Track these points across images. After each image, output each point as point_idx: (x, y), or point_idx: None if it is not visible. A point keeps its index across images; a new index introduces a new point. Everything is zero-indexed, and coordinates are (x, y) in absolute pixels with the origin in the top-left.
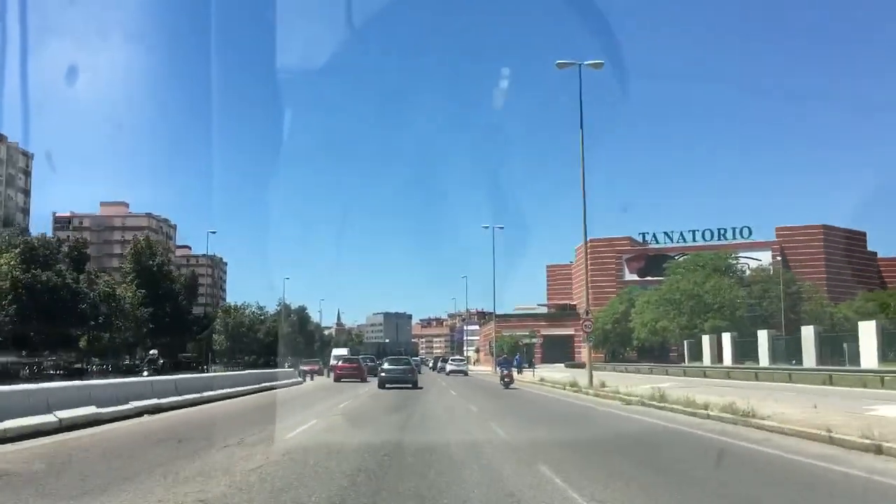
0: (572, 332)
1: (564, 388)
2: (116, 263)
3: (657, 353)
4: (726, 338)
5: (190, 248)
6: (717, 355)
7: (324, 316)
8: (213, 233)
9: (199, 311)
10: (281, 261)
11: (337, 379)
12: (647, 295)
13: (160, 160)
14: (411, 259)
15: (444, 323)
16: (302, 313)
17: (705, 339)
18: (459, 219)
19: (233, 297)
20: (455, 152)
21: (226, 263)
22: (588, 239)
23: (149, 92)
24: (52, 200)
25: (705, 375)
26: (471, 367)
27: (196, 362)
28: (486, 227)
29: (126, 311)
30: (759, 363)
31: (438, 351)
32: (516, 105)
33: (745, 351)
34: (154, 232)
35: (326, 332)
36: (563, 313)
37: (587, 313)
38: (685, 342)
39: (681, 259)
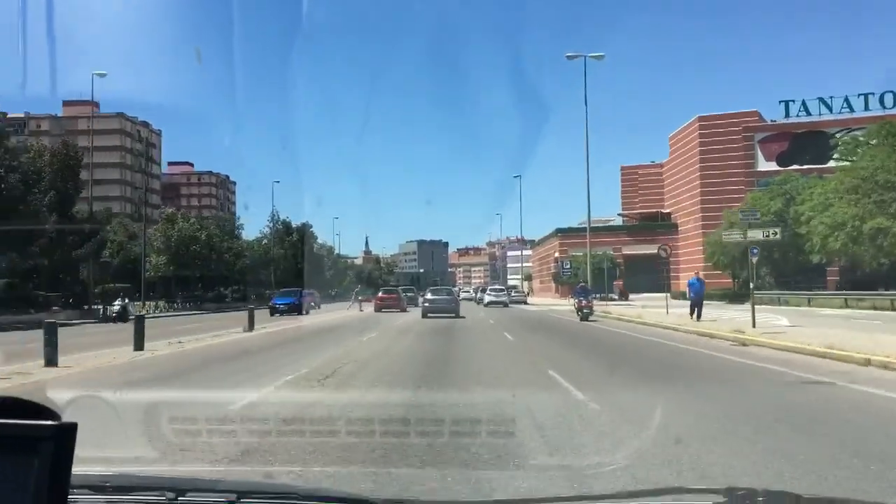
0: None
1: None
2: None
3: (849, 276)
4: None
5: (192, 164)
6: None
7: (352, 245)
8: (223, 147)
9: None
10: (307, 186)
11: (377, 309)
12: (824, 184)
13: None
14: (447, 181)
15: (483, 252)
16: (305, 232)
17: None
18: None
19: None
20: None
21: (233, 183)
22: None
23: None
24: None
25: None
26: (529, 298)
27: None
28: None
29: None
30: None
31: (477, 281)
32: None
33: None
34: (128, 136)
35: (353, 261)
36: (651, 225)
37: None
38: None
39: (855, 134)
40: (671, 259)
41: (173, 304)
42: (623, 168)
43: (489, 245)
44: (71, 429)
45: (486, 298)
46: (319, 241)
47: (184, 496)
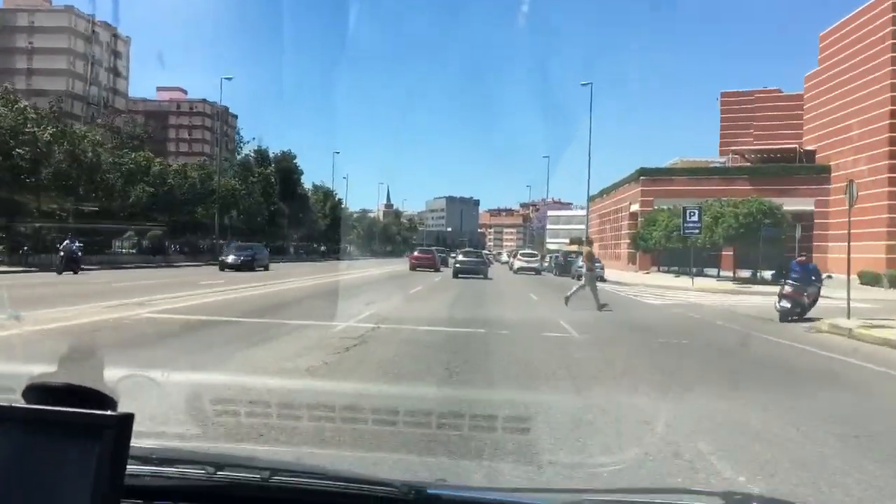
0: (812, 207)
1: None
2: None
3: None
4: None
5: (185, 91)
6: None
7: (373, 198)
8: (229, 79)
9: None
10: (335, 144)
11: (412, 268)
12: None
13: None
14: (478, 139)
15: (517, 213)
16: (286, 163)
17: None
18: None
19: None
20: None
21: (235, 116)
22: None
23: None
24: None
25: None
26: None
27: None
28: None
29: None
30: None
31: (509, 244)
32: None
33: None
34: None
35: (368, 213)
36: (788, 169)
37: None
38: None
39: None
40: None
41: None
42: (725, 95)
43: (523, 207)
44: (129, 418)
45: (517, 264)
46: (318, 182)
47: (222, 470)
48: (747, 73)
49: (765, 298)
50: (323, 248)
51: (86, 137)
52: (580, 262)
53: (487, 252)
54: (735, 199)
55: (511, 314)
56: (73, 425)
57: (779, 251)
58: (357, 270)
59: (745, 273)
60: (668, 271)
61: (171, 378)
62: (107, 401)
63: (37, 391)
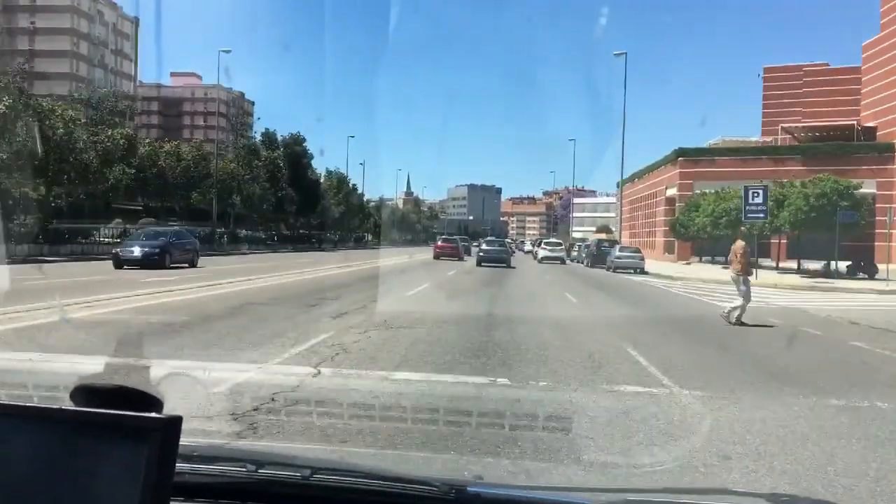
0: (874, 189)
1: None
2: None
3: None
4: None
5: (199, 77)
6: None
7: (393, 186)
8: (227, 51)
9: None
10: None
11: (436, 257)
12: None
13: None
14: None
15: (540, 202)
16: (296, 145)
17: None
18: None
19: None
20: None
21: (252, 103)
22: None
23: None
24: None
25: None
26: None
27: None
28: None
29: None
30: None
31: (532, 233)
32: None
33: None
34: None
35: (387, 202)
36: (846, 147)
37: None
38: None
39: None
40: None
41: None
42: (769, 71)
43: (546, 195)
44: (178, 421)
45: (541, 253)
46: (331, 168)
47: (263, 468)
48: (783, 49)
49: (876, 299)
50: (336, 236)
51: (54, 111)
52: (617, 250)
53: (510, 241)
54: (799, 180)
55: (550, 337)
56: (122, 427)
57: (855, 238)
58: (354, 263)
59: (813, 265)
60: (712, 261)
61: (212, 375)
62: (154, 402)
63: (85, 392)
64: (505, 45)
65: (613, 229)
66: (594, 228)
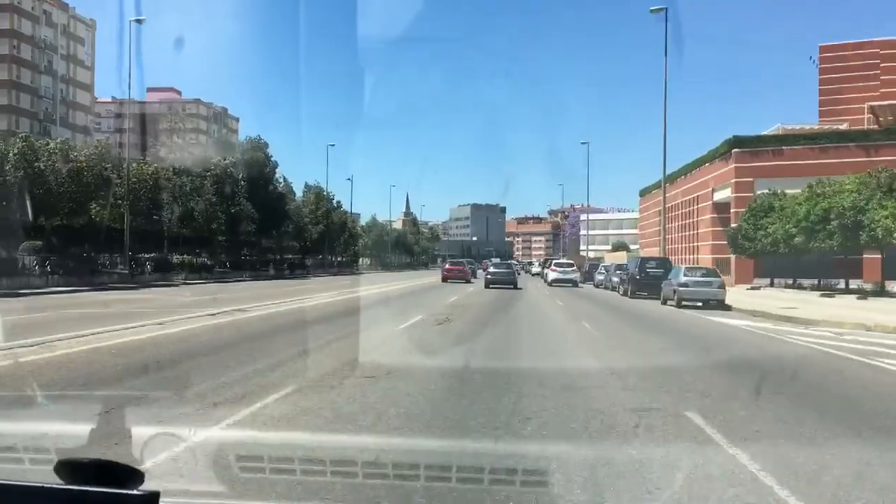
0: None
1: None
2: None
3: None
4: None
5: (179, 91)
6: None
7: (390, 207)
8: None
9: None
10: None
11: (444, 279)
12: None
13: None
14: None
15: (545, 221)
16: (258, 149)
17: None
18: None
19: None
20: None
21: (236, 119)
22: None
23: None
24: None
25: None
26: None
27: None
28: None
29: None
30: None
31: (538, 253)
32: None
33: None
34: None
35: (392, 223)
36: None
37: None
38: None
39: None
40: None
41: None
42: (825, 50)
43: (551, 214)
44: (155, 497)
45: (551, 276)
46: (311, 183)
47: None
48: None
49: None
50: (310, 261)
51: None
52: (683, 274)
53: (516, 262)
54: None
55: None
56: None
57: None
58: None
59: None
60: (793, 285)
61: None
62: (134, 475)
63: (68, 467)
64: (515, 40)
65: (633, 247)
66: (609, 247)
